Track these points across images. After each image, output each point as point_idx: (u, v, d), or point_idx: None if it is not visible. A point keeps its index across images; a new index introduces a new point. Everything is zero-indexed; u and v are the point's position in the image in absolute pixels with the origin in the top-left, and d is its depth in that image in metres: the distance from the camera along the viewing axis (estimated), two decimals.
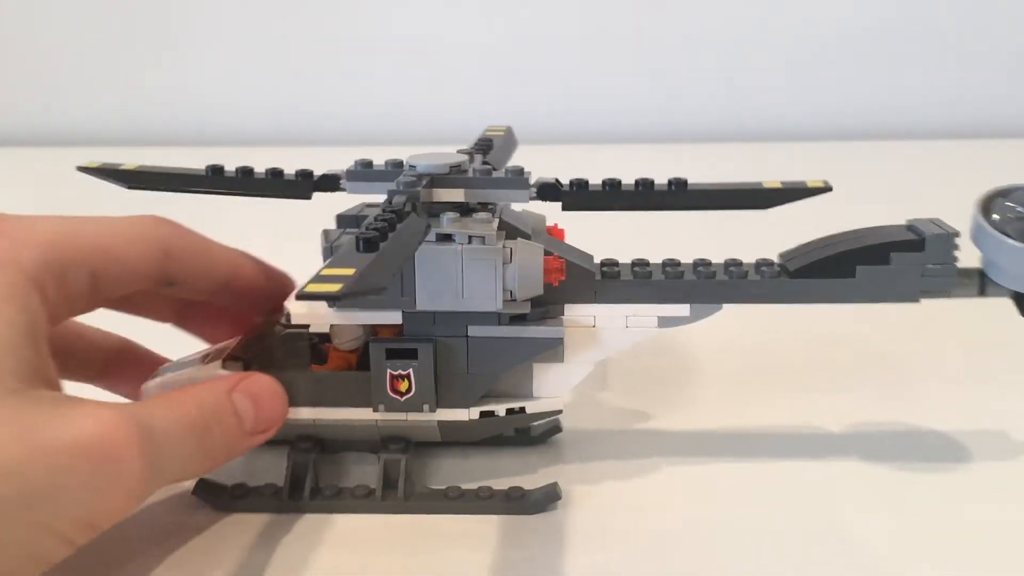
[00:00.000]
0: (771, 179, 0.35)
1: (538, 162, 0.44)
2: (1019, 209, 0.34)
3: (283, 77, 1.07)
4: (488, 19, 1.05)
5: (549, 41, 1.06)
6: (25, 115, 1.09)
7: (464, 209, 0.36)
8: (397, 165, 0.37)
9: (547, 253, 0.36)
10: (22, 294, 0.30)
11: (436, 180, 0.35)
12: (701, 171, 0.94)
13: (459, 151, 0.39)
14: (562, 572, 0.33)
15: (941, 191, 0.84)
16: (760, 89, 1.06)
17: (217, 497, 0.37)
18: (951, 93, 1.05)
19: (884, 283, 0.36)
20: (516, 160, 0.40)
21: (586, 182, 0.36)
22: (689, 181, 0.35)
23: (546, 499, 0.36)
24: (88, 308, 0.35)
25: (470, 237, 0.34)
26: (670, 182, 0.35)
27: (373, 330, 0.37)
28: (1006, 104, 1.06)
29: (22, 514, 0.27)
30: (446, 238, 0.34)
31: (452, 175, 0.36)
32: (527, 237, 0.36)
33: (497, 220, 0.36)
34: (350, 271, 0.27)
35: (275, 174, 0.38)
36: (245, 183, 0.38)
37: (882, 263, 0.35)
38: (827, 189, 0.35)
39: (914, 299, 0.36)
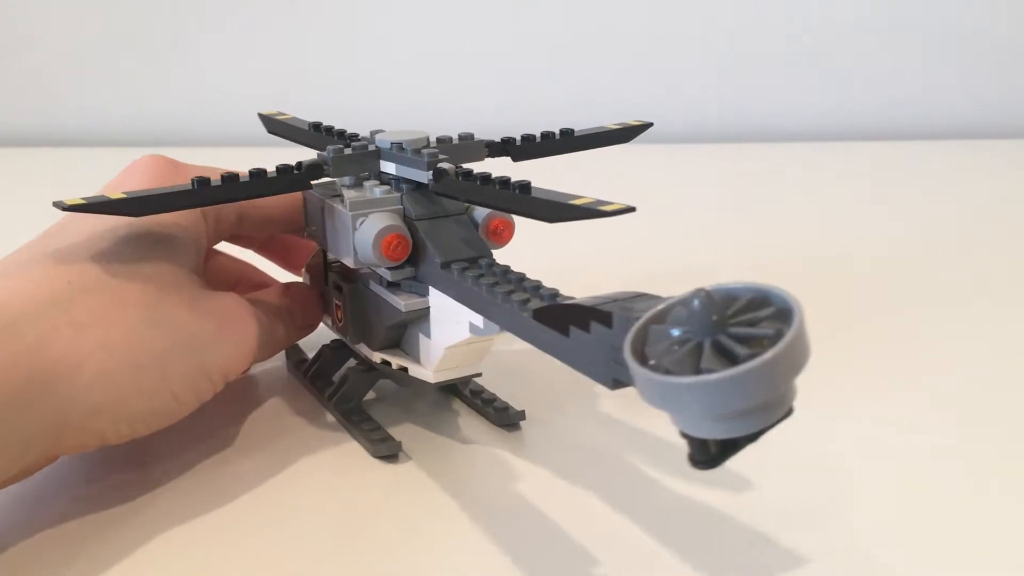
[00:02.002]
0: (584, 197, 0.31)
1: (539, 162, 0.44)
2: (672, 333, 0.25)
3: (286, 77, 1.08)
4: (489, 20, 1.05)
5: (550, 42, 1.06)
6: (32, 115, 1.10)
7: (390, 181, 0.41)
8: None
9: (396, 231, 0.38)
10: (195, 220, 0.42)
11: (383, 153, 0.41)
12: (701, 171, 0.95)
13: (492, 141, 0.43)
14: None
15: (942, 191, 0.84)
16: (760, 89, 1.06)
17: (289, 357, 0.50)
18: (950, 93, 1.06)
19: (586, 353, 0.29)
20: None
21: (468, 172, 0.36)
22: (532, 185, 0.33)
23: (385, 451, 0.41)
24: (231, 239, 0.48)
25: (338, 199, 0.40)
26: (514, 184, 0.34)
27: (343, 268, 0.44)
28: (1006, 104, 1.06)
29: (192, 357, 0.38)
30: (340, 199, 0.41)
31: (391, 150, 0.40)
32: (432, 218, 0.39)
33: (399, 195, 0.40)
34: (120, 195, 0.36)
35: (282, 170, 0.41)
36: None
37: (585, 330, 0.29)
38: (623, 211, 0.30)
39: (608, 384, 0.29)
